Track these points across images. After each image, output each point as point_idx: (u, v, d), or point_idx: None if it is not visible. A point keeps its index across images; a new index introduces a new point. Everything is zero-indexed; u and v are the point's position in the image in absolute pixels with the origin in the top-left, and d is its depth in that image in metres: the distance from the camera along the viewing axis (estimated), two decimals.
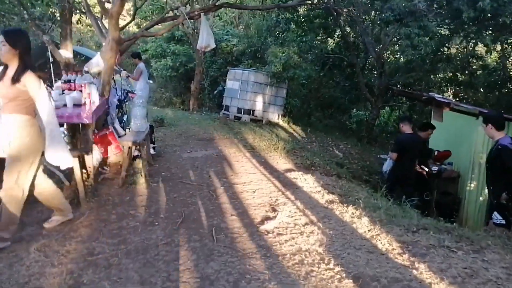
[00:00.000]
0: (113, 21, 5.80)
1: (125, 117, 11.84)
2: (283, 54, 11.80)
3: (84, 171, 4.87)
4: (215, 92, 15.52)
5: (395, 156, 6.10)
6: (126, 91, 11.84)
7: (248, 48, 15.34)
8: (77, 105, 5.24)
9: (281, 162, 6.75)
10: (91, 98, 5.45)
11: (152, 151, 6.51)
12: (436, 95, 8.22)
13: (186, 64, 18.20)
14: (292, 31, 14.51)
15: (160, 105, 18.91)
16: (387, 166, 6.63)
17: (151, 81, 31.48)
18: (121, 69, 11.79)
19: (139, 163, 6.16)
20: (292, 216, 4.10)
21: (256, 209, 4.39)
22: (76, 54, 9.17)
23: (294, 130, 11.36)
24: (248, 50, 15.32)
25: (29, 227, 3.75)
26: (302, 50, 13.98)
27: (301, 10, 14.66)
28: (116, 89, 11.60)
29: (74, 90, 5.54)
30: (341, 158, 9.99)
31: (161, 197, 4.80)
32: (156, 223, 4.00)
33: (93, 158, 6.16)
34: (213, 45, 6.60)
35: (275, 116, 11.90)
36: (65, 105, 5.03)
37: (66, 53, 5.83)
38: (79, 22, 10.05)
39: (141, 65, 10.09)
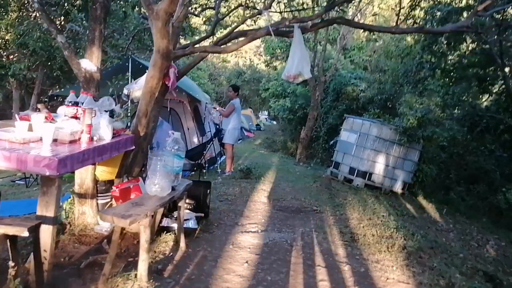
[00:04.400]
0: (160, 24, 3.85)
1: (221, 159, 10.05)
2: (421, 106, 8.97)
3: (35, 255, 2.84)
4: (331, 142, 13.09)
5: None
6: (218, 126, 10.13)
7: (378, 95, 12.69)
8: (72, 141, 3.33)
9: (393, 278, 3.99)
10: (94, 133, 3.49)
11: (192, 224, 4.31)
12: None
13: (306, 107, 16.17)
14: (437, 79, 11.53)
15: (273, 149, 17.02)
16: None
17: (273, 122, 30.45)
18: (209, 102, 10.14)
19: (164, 241, 4.01)
20: None
21: None
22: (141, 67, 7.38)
23: (424, 209, 8.31)
24: (377, 98, 12.66)
25: None
26: (447, 103, 10.90)
27: (451, 56, 11.65)
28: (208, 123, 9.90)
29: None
30: (491, 262, 6.75)
31: None
32: None
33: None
34: (307, 75, 4.26)
35: (399, 185, 8.97)
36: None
37: (88, 64, 4.01)
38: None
39: (236, 101, 8.25)
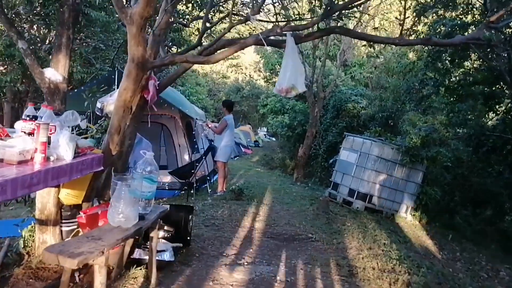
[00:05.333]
0: (134, 29, 3.41)
1: (214, 177, 9.56)
2: (425, 125, 8.50)
3: None
4: (331, 161, 12.60)
5: None
6: (211, 141, 9.65)
7: (379, 112, 12.25)
8: (21, 161, 2.85)
9: None
10: (51, 152, 3.01)
11: (167, 256, 3.79)
12: None
13: (305, 124, 15.74)
14: (441, 96, 11.09)
15: (271, 166, 16.51)
16: None
17: (272, 139, 29.93)
18: (199, 119, 9.66)
19: (133, 277, 3.49)
20: None
21: None
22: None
23: (428, 235, 7.77)
24: (378, 115, 12.22)
25: None
26: (453, 122, 10.44)
27: (456, 72, 11.21)
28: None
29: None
30: None
31: None
32: None
33: None
34: (301, 88, 3.79)
35: (402, 208, 8.44)
36: None
37: (52, 73, 3.55)
38: None
39: (228, 117, 7.85)
